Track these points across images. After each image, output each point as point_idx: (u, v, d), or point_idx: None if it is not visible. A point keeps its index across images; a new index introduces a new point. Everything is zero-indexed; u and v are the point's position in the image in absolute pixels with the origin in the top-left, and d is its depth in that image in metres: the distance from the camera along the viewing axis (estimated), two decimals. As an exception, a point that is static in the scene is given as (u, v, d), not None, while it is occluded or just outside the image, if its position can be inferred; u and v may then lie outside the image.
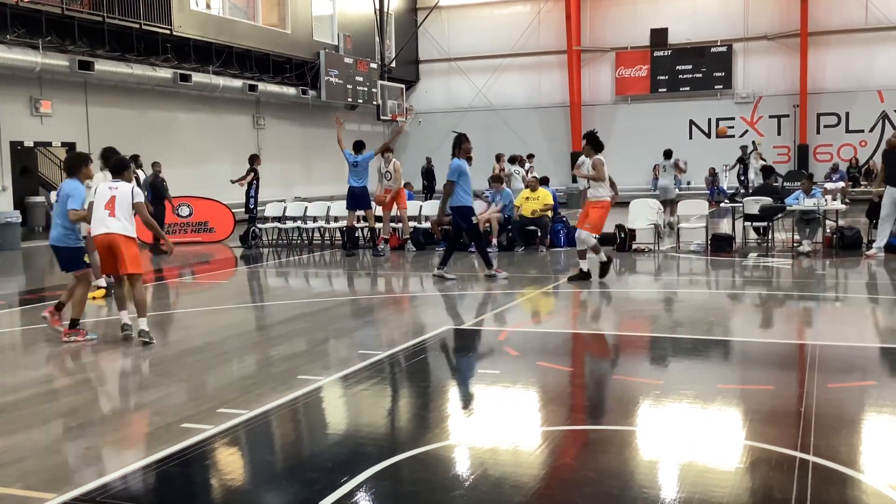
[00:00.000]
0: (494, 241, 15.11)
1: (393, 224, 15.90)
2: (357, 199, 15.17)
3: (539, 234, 15.29)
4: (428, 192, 27.97)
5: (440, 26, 32.54)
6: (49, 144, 19.76)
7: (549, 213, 15.46)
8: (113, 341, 8.09)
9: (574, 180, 25.73)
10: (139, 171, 18.92)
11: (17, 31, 17.81)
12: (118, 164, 8.31)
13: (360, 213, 15.74)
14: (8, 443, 4.96)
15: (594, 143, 11.11)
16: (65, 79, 19.30)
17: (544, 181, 17.20)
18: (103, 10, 19.14)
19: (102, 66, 19.36)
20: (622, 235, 14.68)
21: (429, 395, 6.15)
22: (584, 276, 11.12)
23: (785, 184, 24.15)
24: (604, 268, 11.26)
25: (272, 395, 5.84)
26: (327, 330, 8.58)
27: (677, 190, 19.79)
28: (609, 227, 15.99)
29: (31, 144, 19.44)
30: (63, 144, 19.51)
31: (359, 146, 15.14)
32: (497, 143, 29.46)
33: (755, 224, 14.92)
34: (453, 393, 6.21)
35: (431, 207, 16.66)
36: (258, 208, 17.43)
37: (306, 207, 18.12)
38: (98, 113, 20.37)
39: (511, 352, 7.24)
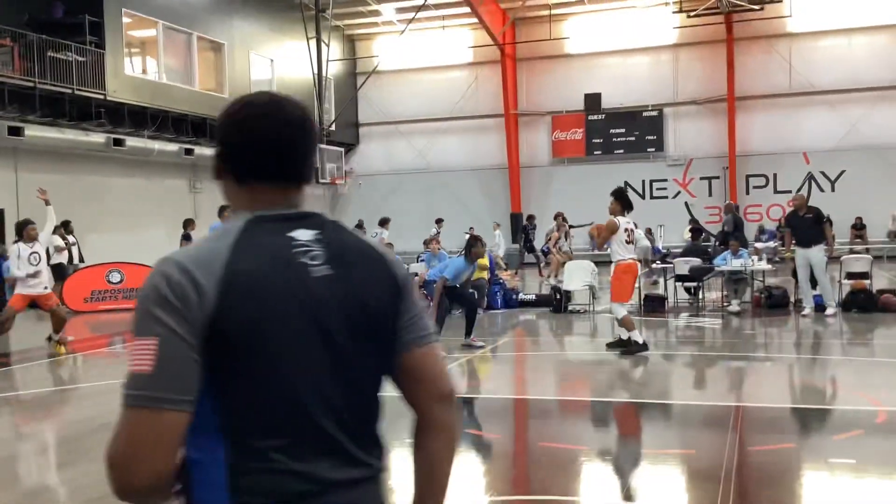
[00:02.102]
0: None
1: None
2: None
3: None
4: None
5: (379, 90, 32.89)
6: (-23, 211, 19.30)
7: (486, 275, 15.53)
8: (26, 419, 7.83)
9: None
10: (70, 237, 18.72)
11: (-55, 97, 17.53)
12: None
13: None
14: None
15: (623, 201, 10.04)
16: (-6, 144, 18.96)
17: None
18: (35, 75, 18.93)
19: (33, 131, 19.05)
20: (558, 297, 14.80)
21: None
22: (637, 348, 10.00)
23: (718, 244, 24.65)
24: (627, 347, 10.10)
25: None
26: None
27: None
28: (546, 289, 16.11)
29: (-41, 211, 18.97)
30: (-9, 210, 19.08)
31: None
32: (437, 204, 29.69)
33: (686, 284, 15.18)
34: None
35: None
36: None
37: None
38: (28, 179, 19.94)
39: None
